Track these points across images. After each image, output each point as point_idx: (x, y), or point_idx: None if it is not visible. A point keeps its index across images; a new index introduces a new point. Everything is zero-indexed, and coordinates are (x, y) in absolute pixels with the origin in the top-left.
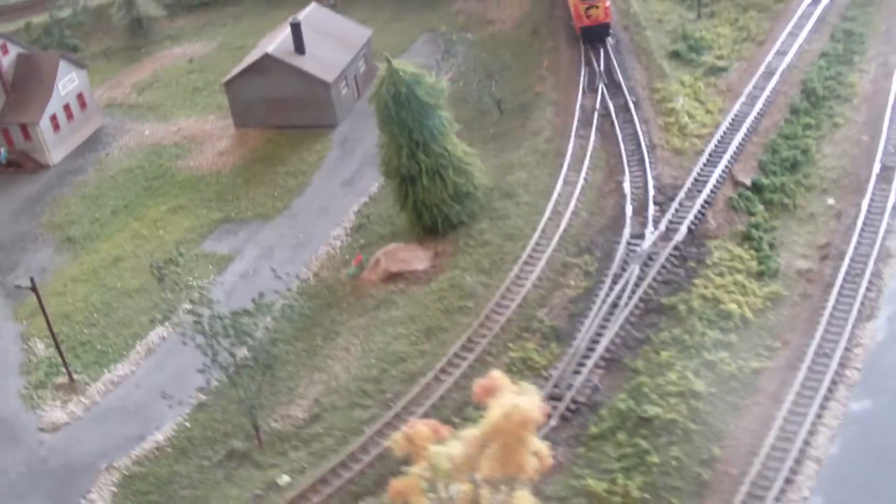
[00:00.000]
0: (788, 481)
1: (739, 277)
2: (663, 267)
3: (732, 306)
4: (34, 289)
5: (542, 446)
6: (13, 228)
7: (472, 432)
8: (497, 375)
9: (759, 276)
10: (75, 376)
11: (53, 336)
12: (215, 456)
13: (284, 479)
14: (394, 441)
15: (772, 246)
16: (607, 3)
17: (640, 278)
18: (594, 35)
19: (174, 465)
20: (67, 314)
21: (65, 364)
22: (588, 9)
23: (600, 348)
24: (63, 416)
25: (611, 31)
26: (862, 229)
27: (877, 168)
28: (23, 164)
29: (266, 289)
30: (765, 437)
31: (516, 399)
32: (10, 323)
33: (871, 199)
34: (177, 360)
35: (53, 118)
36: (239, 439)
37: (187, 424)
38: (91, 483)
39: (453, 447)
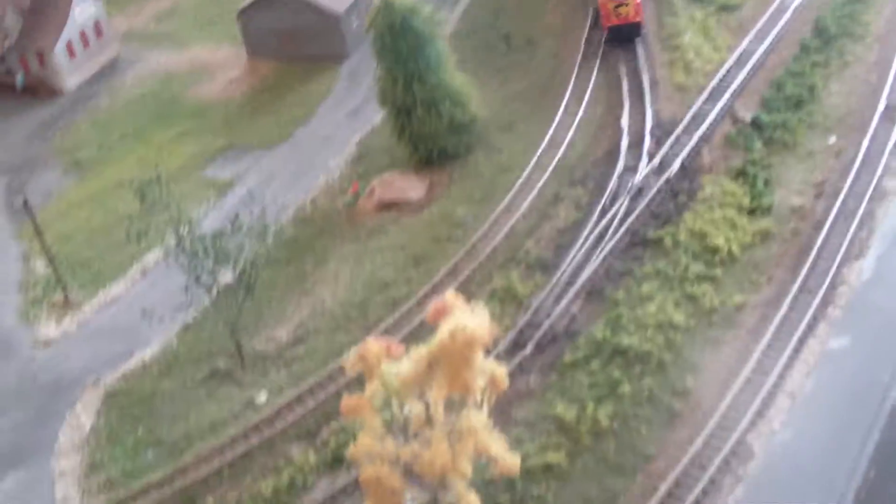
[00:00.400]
0: (760, 414)
1: (730, 213)
2: (653, 200)
3: (720, 241)
4: (27, 206)
5: (498, 369)
6: (25, 152)
7: (420, 352)
8: (451, 296)
9: (752, 212)
10: (71, 295)
11: (48, 254)
12: (199, 374)
13: (262, 398)
14: (346, 360)
15: (767, 183)
16: (638, 0)
17: (629, 211)
18: (623, 35)
19: (158, 382)
20: (69, 235)
21: (60, 282)
22: (617, 6)
23: (582, 278)
24: (56, 333)
25: (642, 31)
26: (859, 168)
27: (881, 107)
28: (38, 89)
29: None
30: (741, 371)
31: (464, 319)
32: (14, 241)
33: (872, 138)
34: (172, 282)
35: (69, 45)
36: (223, 359)
37: (174, 344)
38: (77, 397)
39: (403, 366)
